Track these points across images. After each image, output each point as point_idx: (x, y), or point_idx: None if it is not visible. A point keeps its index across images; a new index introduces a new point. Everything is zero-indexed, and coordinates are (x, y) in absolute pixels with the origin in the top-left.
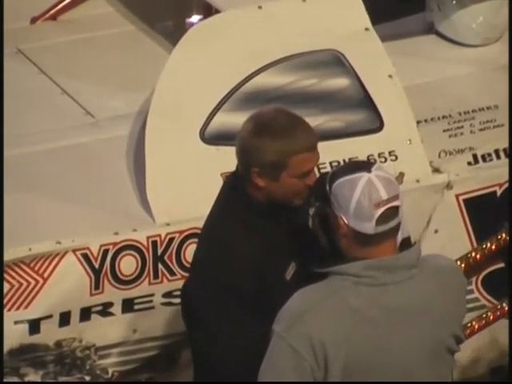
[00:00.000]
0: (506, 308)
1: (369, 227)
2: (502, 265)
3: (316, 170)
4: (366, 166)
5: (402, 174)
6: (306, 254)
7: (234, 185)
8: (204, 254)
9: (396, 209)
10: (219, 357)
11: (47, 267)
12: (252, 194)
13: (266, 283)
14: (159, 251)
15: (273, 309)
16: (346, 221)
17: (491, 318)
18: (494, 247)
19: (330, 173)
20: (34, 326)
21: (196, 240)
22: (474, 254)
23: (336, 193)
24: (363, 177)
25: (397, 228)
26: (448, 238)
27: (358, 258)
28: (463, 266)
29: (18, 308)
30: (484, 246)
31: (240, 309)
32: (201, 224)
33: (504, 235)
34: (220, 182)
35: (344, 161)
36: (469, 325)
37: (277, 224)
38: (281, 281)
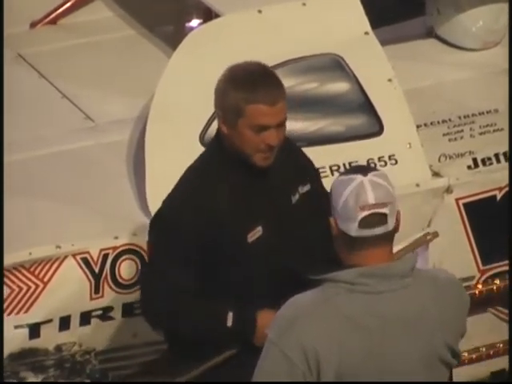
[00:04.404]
0: None
1: (352, 228)
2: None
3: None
4: (365, 170)
5: (435, 234)
6: (277, 221)
7: (215, 139)
8: (170, 194)
9: (383, 216)
10: (150, 289)
11: (47, 271)
12: (228, 146)
13: (221, 238)
14: None
15: (225, 266)
16: (336, 220)
17: None
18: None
19: None
20: (34, 330)
21: None
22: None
23: (331, 192)
24: (357, 179)
25: (385, 236)
26: (448, 242)
27: (349, 264)
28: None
29: (18, 312)
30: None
31: (181, 253)
32: None
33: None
34: None
35: (344, 165)
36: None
37: (252, 182)
38: (240, 241)
